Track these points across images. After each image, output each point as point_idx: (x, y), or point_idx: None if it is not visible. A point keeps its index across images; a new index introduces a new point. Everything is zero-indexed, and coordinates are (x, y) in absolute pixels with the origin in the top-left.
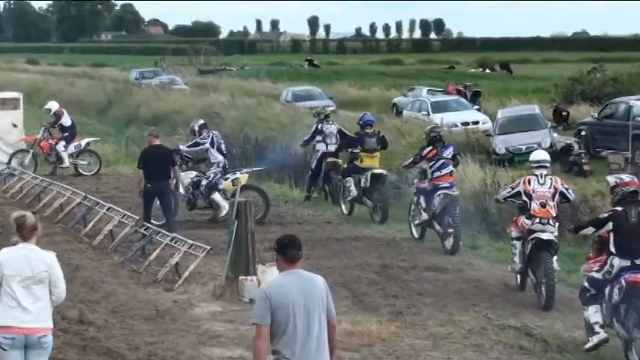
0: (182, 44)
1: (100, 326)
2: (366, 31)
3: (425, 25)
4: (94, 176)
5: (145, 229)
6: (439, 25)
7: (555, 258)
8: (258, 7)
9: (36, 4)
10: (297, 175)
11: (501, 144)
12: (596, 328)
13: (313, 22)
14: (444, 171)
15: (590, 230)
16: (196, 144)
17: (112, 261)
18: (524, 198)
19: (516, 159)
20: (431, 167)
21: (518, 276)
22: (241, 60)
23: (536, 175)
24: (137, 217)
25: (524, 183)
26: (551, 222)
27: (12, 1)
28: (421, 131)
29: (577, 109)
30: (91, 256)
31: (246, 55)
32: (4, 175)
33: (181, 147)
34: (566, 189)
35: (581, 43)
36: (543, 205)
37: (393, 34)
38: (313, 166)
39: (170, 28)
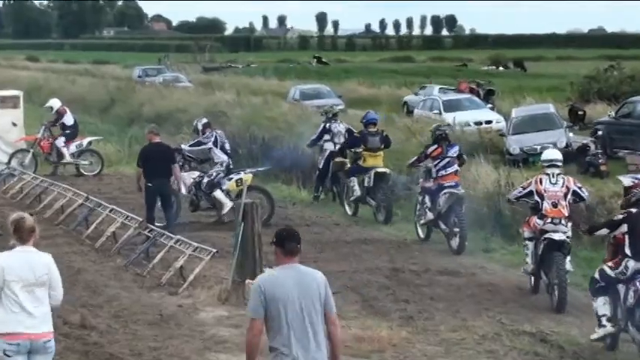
0: (186, 41)
1: (103, 331)
2: (375, 28)
3: (436, 22)
4: (95, 177)
5: (148, 231)
6: (451, 21)
7: (568, 259)
8: (265, 2)
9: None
10: (305, 176)
11: (515, 144)
12: (603, 320)
13: (321, 18)
14: (449, 170)
15: (604, 232)
16: (199, 143)
17: (114, 264)
18: (536, 198)
19: (531, 159)
20: (436, 166)
21: (532, 278)
22: (247, 57)
23: (548, 175)
24: (140, 219)
25: (535, 182)
26: (563, 222)
27: None
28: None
29: (593, 108)
30: (93, 258)
31: (252, 52)
32: (3, 176)
33: (183, 146)
34: (580, 188)
35: (597, 39)
36: (555, 205)
37: (404, 30)
38: (320, 166)
39: (174, 24)
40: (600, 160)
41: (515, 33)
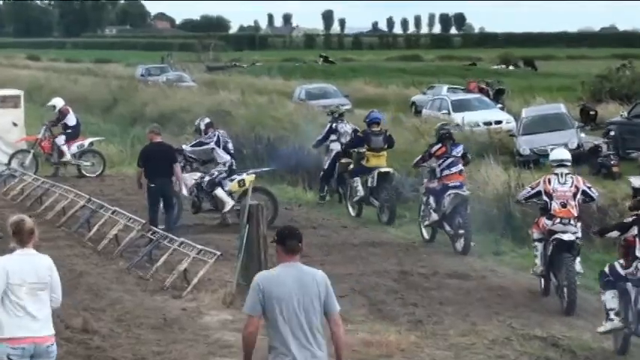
0: (190, 39)
1: (105, 335)
2: (383, 26)
3: (445, 20)
4: (97, 178)
5: (151, 234)
6: (460, 19)
7: (578, 260)
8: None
9: None
10: (311, 177)
11: (526, 145)
12: (611, 314)
13: (327, 16)
14: (454, 169)
15: (615, 234)
16: (200, 143)
17: (117, 267)
18: (545, 198)
19: (541, 160)
20: (440, 166)
21: (542, 280)
22: (252, 56)
23: (557, 174)
24: (143, 221)
25: (544, 182)
26: (572, 222)
27: None
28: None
29: (605, 108)
30: (95, 261)
31: (257, 50)
32: (4, 177)
33: (184, 147)
34: (589, 187)
35: (609, 38)
36: (564, 205)
37: (412, 28)
38: (326, 166)
39: (177, 22)
40: (612, 162)
41: (525, 31)
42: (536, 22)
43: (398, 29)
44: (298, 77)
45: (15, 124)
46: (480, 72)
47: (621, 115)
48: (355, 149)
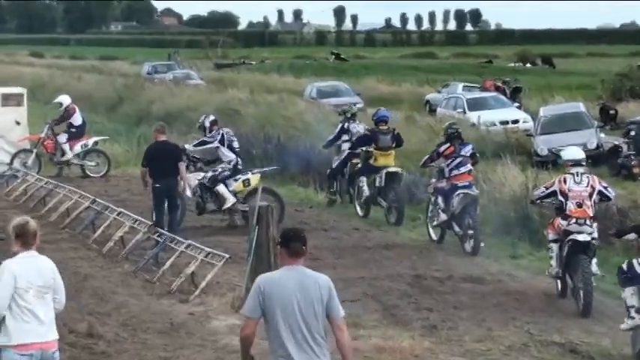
0: (197, 36)
1: (111, 340)
2: (396, 22)
3: (460, 16)
4: (102, 178)
5: (158, 236)
6: (476, 15)
7: (594, 261)
8: None
9: None
10: (322, 178)
11: (543, 145)
12: (632, 312)
13: (339, 12)
14: (462, 169)
15: (632, 236)
16: (203, 142)
17: (122, 270)
18: (560, 198)
19: (559, 161)
20: (448, 165)
21: (558, 281)
22: (261, 53)
23: (572, 174)
24: (150, 223)
25: (559, 182)
26: (588, 222)
27: None
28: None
29: (626, 107)
30: (100, 264)
31: (266, 47)
32: (6, 177)
33: (187, 146)
34: (605, 187)
35: (629, 35)
36: (580, 205)
37: (426, 25)
38: (334, 166)
39: (185, 18)
40: (633, 162)
41: (543, 28)
42: (554, 18)
43: (412, 25)
44: (309, 75)
45: (18, 123)
46: (496, 70)
47: None
48: (362, 148)
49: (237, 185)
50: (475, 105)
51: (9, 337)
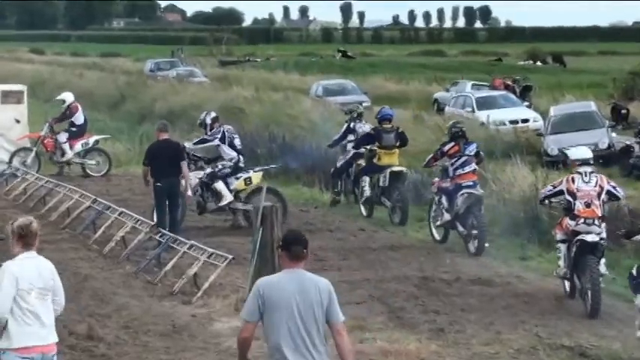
0: (201, 32)
1: (111, 343)
2: (404, 19)
3: (469, 13)
4: (104, 177)
5: (160, 236)
6: (485, 12)
7: (603, 261)
8: None
9: None
10: (328, 177)
11: (554, 144)
12: None
13: (346, 9)
14: (467, 169)
15: None
16: (204, 141)
17: (124, 271)
18: (568, 197)
19: (568, 161)
20: (453, 165)
21: (565, 282)
22: (267, 50)
23: (580, 173)
24: (152, 223)
25: (567, 181)
26: (596, 222)
27: None
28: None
29: (638, 107)
30: (101, 265)
31: (272, 44)
32: (5, 176)
33: (187, 145)
34: (614, 187)
35: None
36: (588, 205)
37: (434, 22)
38: (338, 165)
39: (188, 14)
40: None
41: (554, 25)
42: (565, 15)
43: (420, 23)
44: (315, 73)
45: (17, 121)
46: (506, 68)
47: None
48: (366, 147)
49: (238, 184)
50: (484, 104)
51: (10, 340)
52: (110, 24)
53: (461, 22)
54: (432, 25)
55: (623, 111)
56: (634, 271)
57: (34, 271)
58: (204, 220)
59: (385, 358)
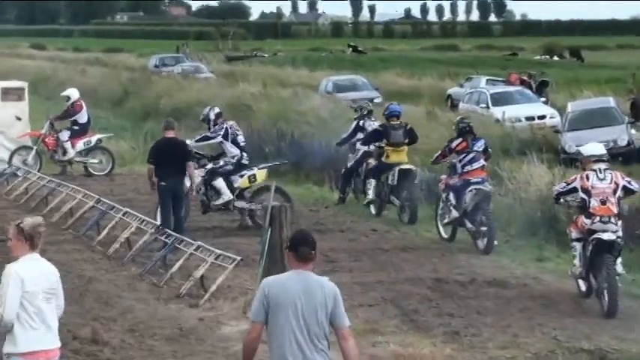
0: (207, 27)
1: (116, 347)
2: (416, 13)
3: (484, 6)
4: (108, 177)
5: (166, 237)
6: (500, 5)
7: (619, 260)
8: None
9: None
10: (339, 176)
11: (571, 141)
12: None
13: (356, 2)
14: (475, 165)
15: None
16: (206, 138)
17: (128, 273)
18: (582, 195)
19: (580, 157)
20: (461, 161)
21: (579, 281)
22: (274, 45)
23: (595, 170)
24: (157, 223)
25: (581, 179)
26: (613, 220)
27: None
28: (480, 127)
29: None
30: (105, 267)
31: (279, 39)
32: (6, 175)
33: (189, 142)
34: (629, 182)
35: None
36: (604, 202)
37: (447, 15)
38: (349, 165)
39: (193, 8)
40: None
41: (571, 19)
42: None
43: (432, 16)
44: (325, 68)
45: (18, 118)
46: (521, 63)
47: None
48: (374, 144)
49: (242, 181)
50: (499, 100)
51: (16, 344)
52: (113, 18)
53: (475, 16)
54: (444, 19)
55: None
56: None
57: (38, 272)
58: (211, 221)
59: None
